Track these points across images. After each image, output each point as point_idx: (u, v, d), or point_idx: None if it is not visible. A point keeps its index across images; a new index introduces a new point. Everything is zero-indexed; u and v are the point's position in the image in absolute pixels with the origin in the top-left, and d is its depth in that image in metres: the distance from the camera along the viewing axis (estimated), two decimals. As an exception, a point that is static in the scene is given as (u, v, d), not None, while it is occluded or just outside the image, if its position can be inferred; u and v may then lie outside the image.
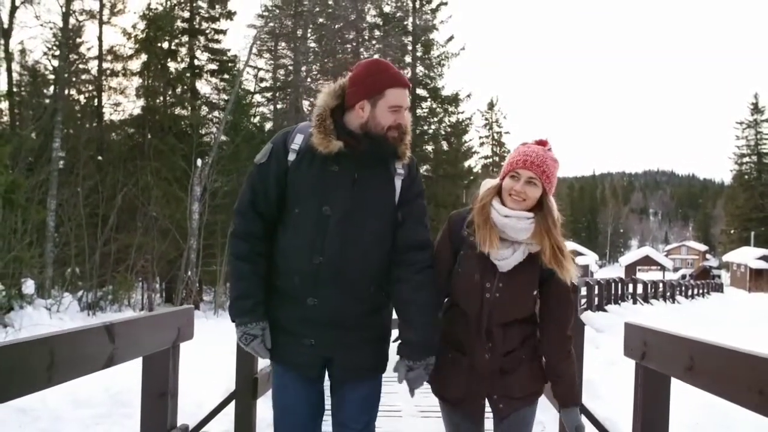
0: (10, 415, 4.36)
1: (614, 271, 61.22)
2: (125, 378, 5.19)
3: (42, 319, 11.49)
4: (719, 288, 40.45)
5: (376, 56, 29.18)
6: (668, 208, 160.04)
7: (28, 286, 11.78)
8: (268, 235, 2.16)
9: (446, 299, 2.31)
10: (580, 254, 61.13)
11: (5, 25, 17.71)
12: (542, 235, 2.07)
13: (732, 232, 61.81)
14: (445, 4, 29.42)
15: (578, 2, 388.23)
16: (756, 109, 61.10)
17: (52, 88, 21.15)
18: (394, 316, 2.28)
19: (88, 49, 22.22)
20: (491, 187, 2.20)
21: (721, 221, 75.36)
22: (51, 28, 19.95)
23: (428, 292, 2.15)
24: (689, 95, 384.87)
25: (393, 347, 2.31)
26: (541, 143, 2.17)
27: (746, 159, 61.43)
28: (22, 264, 11.76)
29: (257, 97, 27.89)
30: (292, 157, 2.11)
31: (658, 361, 2.29)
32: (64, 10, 18.69)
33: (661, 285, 23.81)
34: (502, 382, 2.17)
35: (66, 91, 20.05)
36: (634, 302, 18.56)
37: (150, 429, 2.58)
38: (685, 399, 5.14)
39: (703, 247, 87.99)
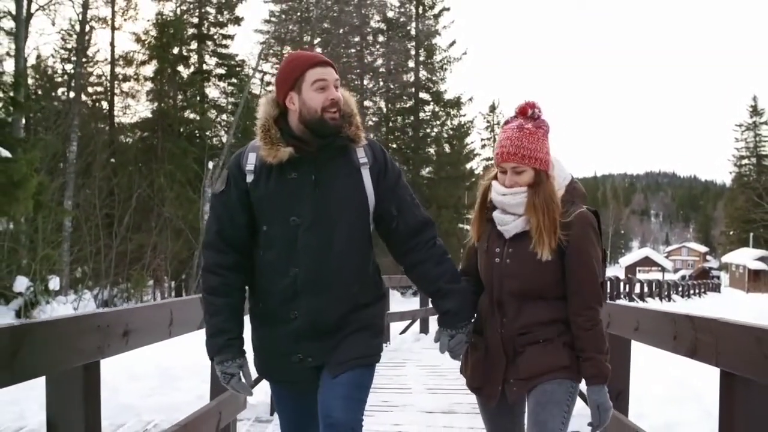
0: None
1: (614, 272, 61.55)
2: (173, 357, 5.90)
3: (68, 313, 12.21)
4: (716, 288, 41.12)
5: (379, 61, 29.94)
6: (669, 210, 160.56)
7: (55, 283, 12.51)
8: (240, 267, 2.08)
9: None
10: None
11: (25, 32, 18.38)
12: (531, 211, 2.07)
13: (731, 233, 62.27)
14: (448, 9, 30.21)
15: (580, 5, 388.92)
16: (755, 111, 61.46)
17: (62, 90, 21.98)
18: (395, 309, 2.42)
19: (96, 52, 22.99)
20: (491, 174, 2.23)
21: (722, 223, 75.84)
22: (61, 33, 20.78)
23: (450, 261, 2.17)
24: (691, 96, 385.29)
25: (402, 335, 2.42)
26: (522, 112, 2.14)
27: (745, 161, 61.83)
28: (50, 262, 12.45)
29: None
30: (249, 178, 2.05)
31: (618, 327, 2.95)
32: (80, 18, 19.42)
33: (655, 284, 24.47)
34: (514, 365, 2.10)
35: (81, 96, 20.74)
36: (630, 300, 19.20)
37: (219, 382, 3.24)
38: (661, 378, 5.86)
39: (703, 249, 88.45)
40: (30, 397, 5.24)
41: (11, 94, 13.24)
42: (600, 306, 2.09)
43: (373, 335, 2.12)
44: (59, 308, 12.40)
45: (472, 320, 2.18)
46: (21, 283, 11.99)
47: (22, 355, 1.59)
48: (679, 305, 22.62)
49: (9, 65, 16.02)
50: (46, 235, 13.19)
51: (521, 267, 2.08)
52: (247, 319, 2.14)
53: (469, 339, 2.17)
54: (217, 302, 2.05)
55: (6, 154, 11.14)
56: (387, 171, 2.11)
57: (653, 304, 20.90)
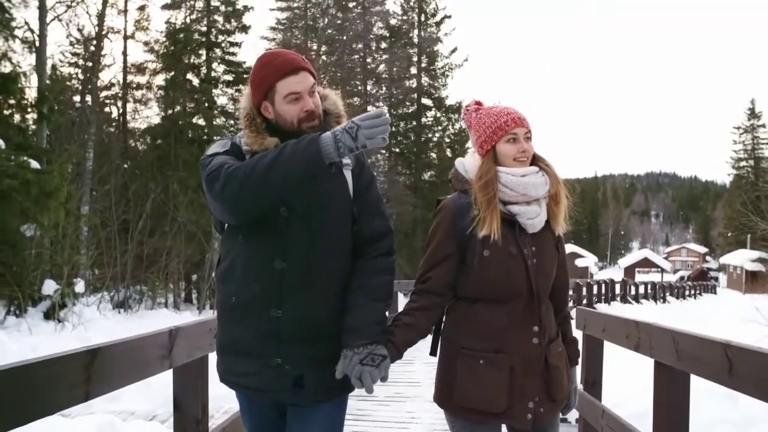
0: (131, 386, 5.80)
1: (614, 273, 62.02)
2: (213, 357, 6.66)
3: (93, 315, 13.02)
4: (713, 289, 41.74)
5: (382, 67, 30.68)
6: (669, 210, 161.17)
7: (80, 286, 13.26)
8: None
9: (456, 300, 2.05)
10: (580, 256, 62.30)
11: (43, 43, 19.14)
12: (557, 184, 1.98)
13: (729, 234, 62.94)
14: (449, 17, 31.05)
15: (580, 7, 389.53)
16: (753, 114, 62.25)
17: (72, 96, 22.77)
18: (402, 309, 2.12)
19: (104, 55, 23.77)
20: (487, 161, 1.99)
21: (720, 224, 76.46)
22: (73, 43, 21.56)
23: (382, 278, 1.98)
24: (693, 97, 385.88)
25: None
26: (479, 105, 2.10)
27: (743, 163, 62.58)
28: (76, 266, 13.21)
29: (270, 107, 29.43)
30: (247, 158, 1.91)
31: (592, 329, 3.71)
32: (97, 30, 20.20)
33: (650, 286, 25.16)
34: (546, 381, 1.92)
35: (97, 106, 21.53)
36: (624, 302, 19.88)
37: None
38: (640, 375, 6.59)
39: (702, 250, 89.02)
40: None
41: (35, 106, 14.03)
42: None
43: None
44: (85, 310, 13.14)
45: (377, 345, 1.87)
46: (49, 287, 12.74)
47: (175, 349, 2.36)
48: (673, 306, 23.18)
49: (32, 78, 16.78)
50: (72, 240, 13.94)
51: (547, 263, 1.98)
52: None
53: (376, 367, 1.84)
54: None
55: (35, 165, 11.93)
56: (362, 174, 2.03)
57: (648, 305, 21.55)
